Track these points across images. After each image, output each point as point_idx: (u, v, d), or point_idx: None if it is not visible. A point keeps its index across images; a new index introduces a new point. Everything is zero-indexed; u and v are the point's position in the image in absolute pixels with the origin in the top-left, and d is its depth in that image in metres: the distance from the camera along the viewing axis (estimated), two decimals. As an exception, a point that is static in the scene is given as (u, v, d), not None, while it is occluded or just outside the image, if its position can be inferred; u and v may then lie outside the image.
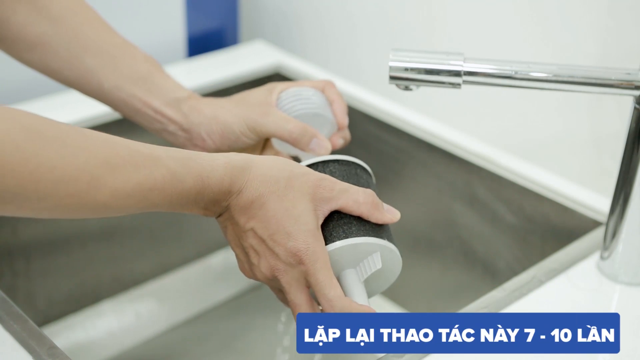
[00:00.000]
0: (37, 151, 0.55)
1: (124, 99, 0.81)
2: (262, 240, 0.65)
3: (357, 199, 0.66)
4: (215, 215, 0.66)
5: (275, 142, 0.82)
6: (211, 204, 0.64)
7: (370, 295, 0.71)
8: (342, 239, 0.65)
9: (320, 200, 0.65)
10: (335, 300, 0.63)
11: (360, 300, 0.66)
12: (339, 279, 0.67)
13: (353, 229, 0.66)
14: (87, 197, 0.57)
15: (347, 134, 0.83)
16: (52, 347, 0.69)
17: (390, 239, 0.68)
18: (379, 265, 0.65)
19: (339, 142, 0.82)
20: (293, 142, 0.79)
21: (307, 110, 0.80)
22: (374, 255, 0.66)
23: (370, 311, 0.65)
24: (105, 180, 0.58)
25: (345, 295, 0.66)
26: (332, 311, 0.63)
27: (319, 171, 0.69)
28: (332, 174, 0.69)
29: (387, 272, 0.70)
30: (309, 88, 0.82)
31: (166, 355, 1.11)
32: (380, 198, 0.70)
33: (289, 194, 0.64)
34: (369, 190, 0.67)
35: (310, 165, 0.70)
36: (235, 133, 0.80)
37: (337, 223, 0.66)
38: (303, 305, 0.65)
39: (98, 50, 0.81)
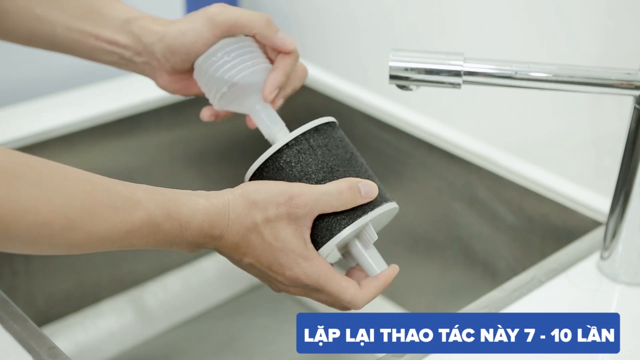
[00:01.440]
0: (9, 194, 0.54)
1: (77, 39, 0.79)
2: (263, 272, 0.66)
3: (332, 204, 0.65)
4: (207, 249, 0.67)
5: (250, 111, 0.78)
6: (194, 246, 0.64)
7: (379, 228, 0.72)
8: (328, 240, 0.66)
9: (297, 219, 0.64)
10: (353, 300, 0.65)
11: (376, 267, 0.68)
12: (349, 252, 0.69)
13: (334, 224, 0.66)
14: (61, 239, 0.57)
15: (286, 92, 0.77)
16: (52, 347, 0.69)
17: (375, 204, 0.68)
18: (375, 237, 0.67)
19: (279, 102, 0.77)
20: (260, 31, 0.75)
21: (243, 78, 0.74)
22: (366, 229, 0.67)
23: (388, 277, 0.67)
24: (81, 223, 0.57)
25: (363, 268, 0.69)
26: (355, 308, 0.66)
27: (275, 166, 0.68)
28: (287, 164, 0.67)
29: (387, 215, 0.71)
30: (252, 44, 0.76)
31: (166, 355, 1.11)
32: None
33: (267, 227, 0.64)
34: (342, 187, 0.65)
35: (267, 161, 0.68)
36: (188, 40, 0.74)
37: (320, 223, 0.66)
38: (329, 299, 0.67)
39: None
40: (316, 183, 0.67)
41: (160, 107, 1.12)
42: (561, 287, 0.80)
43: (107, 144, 1.07)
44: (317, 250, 0.66)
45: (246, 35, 0.76)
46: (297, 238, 0.64)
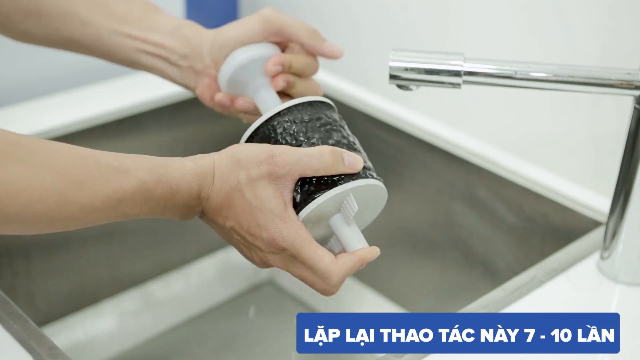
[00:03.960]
0: (2, 175, 0.55)
1: (123, 42, 0.80)
2: (243, 237, 0.66)
3: (313, 166, 0.65)
4: (195, 217, 0.67)
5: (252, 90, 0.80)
6: (184, 209, 0.65)
7: (370, 220, 0.71)
8: (306, 205, 0.65)
9: (278, 179, 0.64)
10: (327, 271, 0.63)
11: (355, 243, 0.66)
12: (331, 230, 0.68)
13: (313, 188, 0.65)
14: (56, 214, 0.58)
15: (291, 77, 0.79)
16: (52, 347, 0.69)
17: (357, 176, 0.67)
18: (355, 208, 0.65)
19: (281, 83, 0.78)
20: (307, 41, 0.78)
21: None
22: (347, 199, 0.66)
23: (365, 254, 0.65)
24: (74, 196, 0.58)
25: (342, 243, 0.67)
26: (330, 281, 0.64)
27: (265, 133, 0.68)
28: (275, 131, 0.68)
29: (374, 198, 0.69)
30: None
31: (166, 355, 1.11)
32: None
33: (249, 186, 0.64)
34: (324, 149, 0.65)
35: (258, 128, 0.69)
36: (237, 32, 0.78)
37: (301, 187, 0.66)
38: (309, 276, 0.65)
39: (90, 1, 0.81)
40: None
41: (160, 107, 1.12)
42: (561, 287, 0.80)
43: (107, 144, 1.07)
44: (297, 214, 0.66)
45: (292, 42, 0.79)
46: (277, 198, 0.64)
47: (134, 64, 0.82)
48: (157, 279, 1.18)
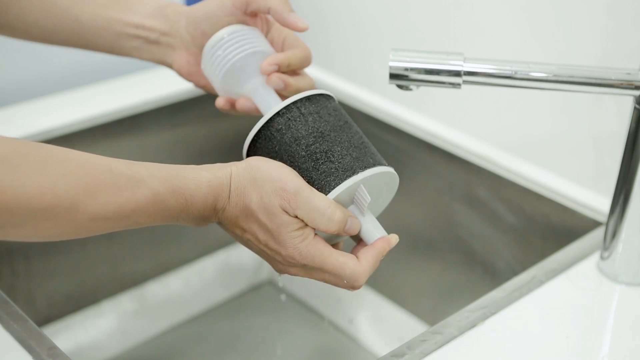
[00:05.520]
0: (12, 183, 0.54)
1: (103, 27, 0.81)
2: (262, 250, 0.66)
3: (318, 225, 0.64)
4: (212, 222, 0.67)
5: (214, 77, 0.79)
6: (200, 219, 0.65)
7: (385, 204, 0.73)
8: None
9: (289, 210, 0.64)
10: (354, 275, 0.64)
11: (373, 233, 0.67)
12: None
13: (325, 189, 0.65)
14: (67, 222, 0.57)
15: (287, 78, 0.77)
16: (52, 347, 0.69)
17: (366, 165, 0.66)
18: (368, 198, 0.65)
19: (278, 83, 0.77)
20: (275, 7, 0.77)
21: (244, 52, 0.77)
22: (359, 191, 0.66)
23: (384, 244, 0.66)
24: (85, 205, 0.57)
25: (360, 234, 0.67)
26: (357, 283, 0.65)
27: (267, 135, 0.68)
28: (278, 132, 0.67)
29: (385, 184, 0.70)
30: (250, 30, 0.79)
31: (166, 355, 1.11)
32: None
33: (262, 210, 0.64)
34: (335, 217, 0.64)
35: (260, 131, 0.68)
36: (209, 9, 0.78)
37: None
38: (332, 279, 0.66)
39: None
40: (306, 148, 0.66)
41: (160, 107, 1.12)
42: (561, 287, 0.80)
43: (107, 144, 1.07)
44: None
45: (261, 11, 0.79)
46: (292, 223, 0.64)
47: (114, 49, 0.82)
48: (157, 279, 1.18)
